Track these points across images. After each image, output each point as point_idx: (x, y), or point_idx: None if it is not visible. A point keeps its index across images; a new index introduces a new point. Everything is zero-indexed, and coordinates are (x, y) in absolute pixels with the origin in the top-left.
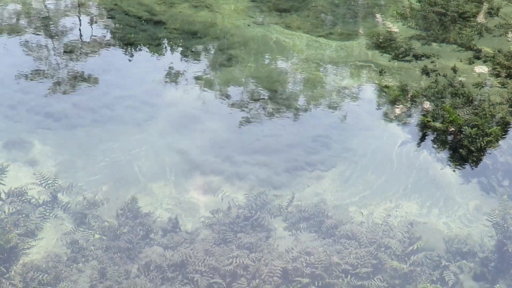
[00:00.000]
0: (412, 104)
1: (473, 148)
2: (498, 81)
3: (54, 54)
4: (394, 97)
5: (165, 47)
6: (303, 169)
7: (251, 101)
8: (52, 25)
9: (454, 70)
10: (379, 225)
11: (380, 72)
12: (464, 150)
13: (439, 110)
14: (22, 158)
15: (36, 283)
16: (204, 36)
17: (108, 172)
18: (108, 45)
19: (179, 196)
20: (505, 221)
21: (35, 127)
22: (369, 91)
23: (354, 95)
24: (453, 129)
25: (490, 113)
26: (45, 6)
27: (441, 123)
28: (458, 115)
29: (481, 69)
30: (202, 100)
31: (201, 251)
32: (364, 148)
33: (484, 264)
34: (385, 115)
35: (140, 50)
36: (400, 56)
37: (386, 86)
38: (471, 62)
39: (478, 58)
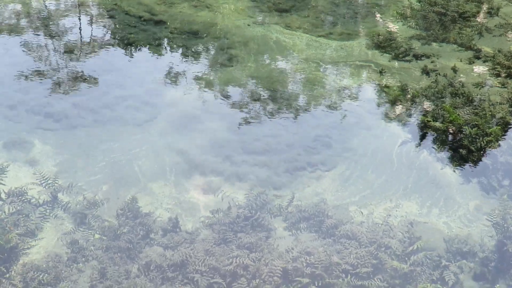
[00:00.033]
0: (412, 104)
1: (473, 148)
2: (498, 81)
3: (54, 54)
4: (394, 97)
5: (165, 47)
6: (303, 169)
7: (251, 101)
8: (52, 25)
9: (454, 70)
10: (379, 225)
11: (380, 72)
12: (464, 150)
13: (439, 110)
14: (22, 158)
15: (36, 283)
16: (204, 36)
17: (108, 172)
18: (108, 45)
19: (179, 196)
20: (505, 221)
21: (35, 127)
22: (369, 91)
23: (354, 95)
24: (453, 129)
25: (490, 113)
26: (45, 6)
27: (441, 123)
28: (458, 115)
29: (481, 69)
30: (202, 100)
31: (201, 251)
32: (364, 148)
33: (484, 264)
34: (385, 115)
35: (140, 50)
36: (400, 56)
37: (386, 86)
38: (471, 62)
39: (478, 58)
